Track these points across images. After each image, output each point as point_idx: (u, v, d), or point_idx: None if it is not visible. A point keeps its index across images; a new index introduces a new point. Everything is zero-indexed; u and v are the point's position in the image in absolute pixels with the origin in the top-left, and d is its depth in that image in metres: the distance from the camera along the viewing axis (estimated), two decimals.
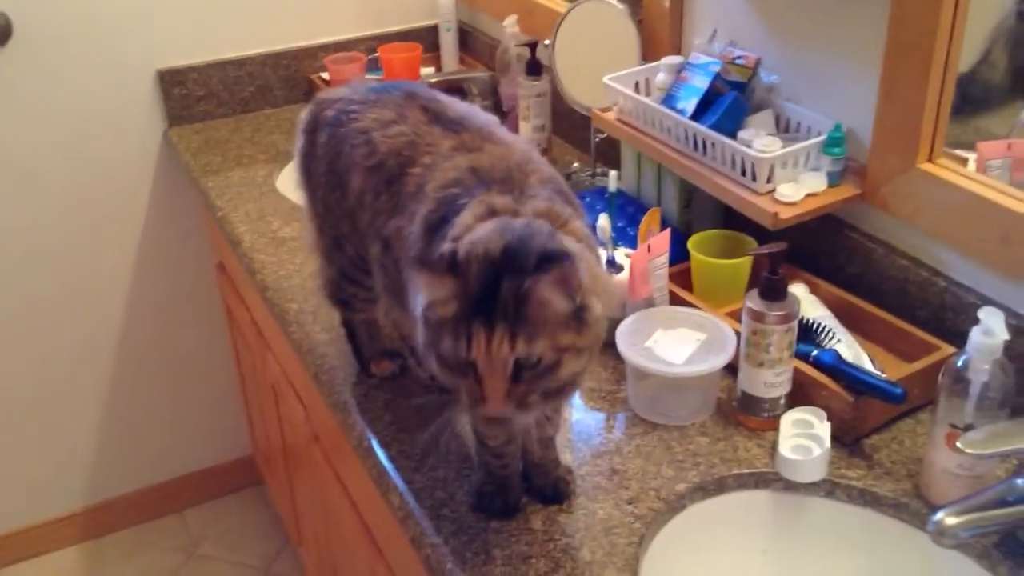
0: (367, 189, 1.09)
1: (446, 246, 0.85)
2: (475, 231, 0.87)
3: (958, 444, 0.89)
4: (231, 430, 2.53)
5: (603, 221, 1.32)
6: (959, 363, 0.99)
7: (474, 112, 1.10)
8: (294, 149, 1.25)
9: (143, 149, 2.14)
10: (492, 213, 0.90)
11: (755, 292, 1.13)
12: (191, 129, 2.13)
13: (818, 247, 1.38)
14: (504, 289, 0.80)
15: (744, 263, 1.33)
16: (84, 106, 2.05)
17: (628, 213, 1.55)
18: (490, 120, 1.09)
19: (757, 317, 1.11)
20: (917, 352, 1.20)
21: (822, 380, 1.15)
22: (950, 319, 1.22)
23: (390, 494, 1.13)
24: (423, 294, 0.84)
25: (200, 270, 2.31)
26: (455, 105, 1.11)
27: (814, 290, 1.33)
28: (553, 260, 0.81)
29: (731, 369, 1.20)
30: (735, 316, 1.23)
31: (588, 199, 1.61)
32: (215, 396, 2.47)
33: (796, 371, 1.16)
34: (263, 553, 2.44)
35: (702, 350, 1.19)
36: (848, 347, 1.22)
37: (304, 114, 1.24)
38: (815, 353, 1.17)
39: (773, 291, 1.11)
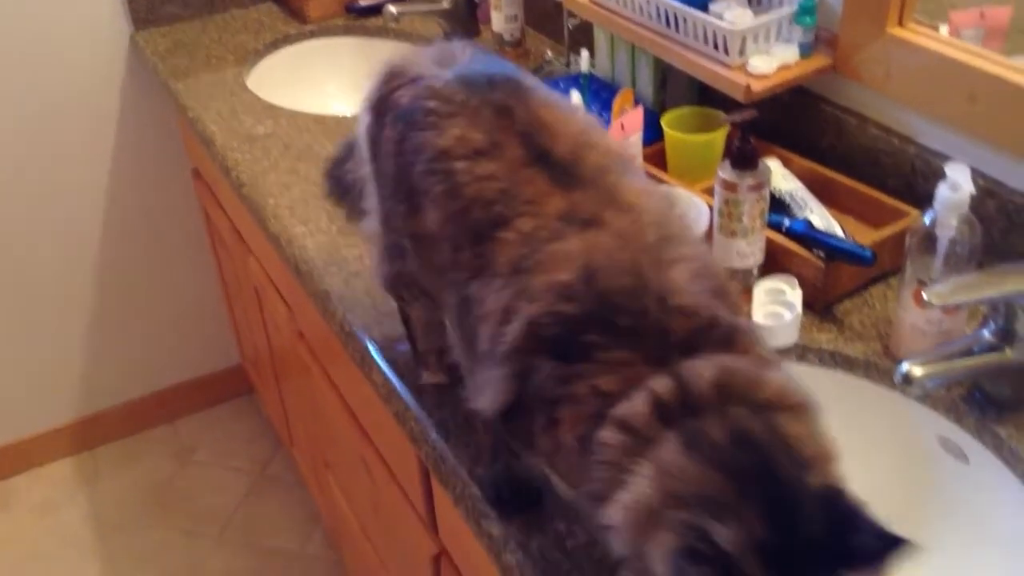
0: (446, 236, 0.87)
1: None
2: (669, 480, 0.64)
3: (923, 295, 0.91)
4: (218, 340, 2.55)
5: (575, 99, 1.31)
6: (927, 220, 1.00)
7: (590, 142, 0.85)
8: (358, 124, 1.03)
9: (109, 55, 2.10)
10: (660, 410, 0.67)
11: (727, 162, 1.13)
12: (158, 32, 2.08)
13: (791, 121, 1.38)
14: None
15: (718, 137, 1.33)
16: (45, 12, 2.00)
17: (602, 98, 1.54)
18: (611, 151, 0.86)
19: (729, 187, 1.12)
20: (889, 219, 1.21)
21: (793, 248, 1.16)
22: (920, 185, 1.23)
23: (373, 373, 1.14)
24: None
25: (176, 178, 2.29)
26: (564, 124, 0.86)
27: (787, 164, 1.34)
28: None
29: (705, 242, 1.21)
30: (710, 193, 1.23)
31: (563, 86, 1.59)
32: (200, 306, 2.48)
33: (768, 241, 1.17)
34: (257, 458, 2.48)
35: None
36: (820, 217, 1.23)
37: (371, 87, 1.00)
38: (787, 223, 1.19)
39: (744, 159, 1.11)
